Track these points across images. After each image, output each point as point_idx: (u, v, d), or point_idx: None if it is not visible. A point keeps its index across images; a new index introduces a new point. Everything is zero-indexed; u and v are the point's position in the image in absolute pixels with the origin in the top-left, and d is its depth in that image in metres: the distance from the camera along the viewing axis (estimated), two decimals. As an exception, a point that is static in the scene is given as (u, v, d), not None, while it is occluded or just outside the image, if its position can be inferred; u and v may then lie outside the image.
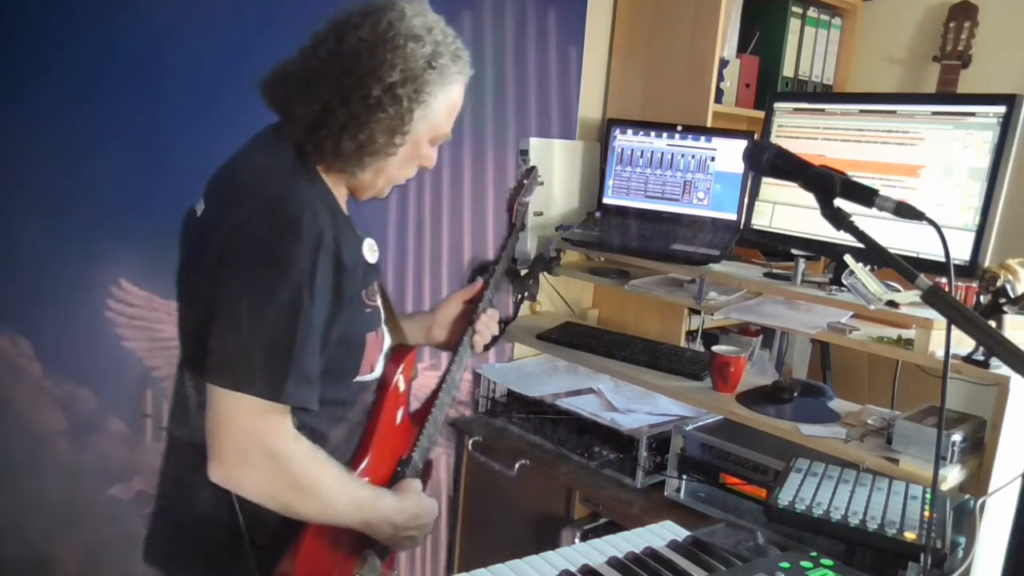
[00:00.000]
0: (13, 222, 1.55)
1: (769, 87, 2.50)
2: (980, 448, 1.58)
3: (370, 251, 1.25)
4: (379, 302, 1.29)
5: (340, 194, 1.24)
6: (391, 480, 1.34)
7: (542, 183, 1.85)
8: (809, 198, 1.13)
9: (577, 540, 1.92)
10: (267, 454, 1.09)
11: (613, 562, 1.11)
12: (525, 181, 1.78)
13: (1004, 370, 1.50)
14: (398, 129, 1.16)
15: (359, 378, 1.26)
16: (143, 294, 1.70)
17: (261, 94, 1.20)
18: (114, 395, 1.70)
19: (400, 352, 1.37)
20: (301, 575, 1.19)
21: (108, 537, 1.72)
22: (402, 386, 1.36)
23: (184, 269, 1.24)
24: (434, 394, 1.45)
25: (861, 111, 1.85)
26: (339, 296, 1.15)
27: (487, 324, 1.54)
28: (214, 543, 1.20)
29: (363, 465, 1.29)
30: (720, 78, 2.36)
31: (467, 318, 1.54)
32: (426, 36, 1.16)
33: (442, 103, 1.20)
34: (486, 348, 1.60)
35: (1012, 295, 1.50)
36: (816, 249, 1.85)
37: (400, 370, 1.35)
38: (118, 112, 1.64)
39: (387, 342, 1.33)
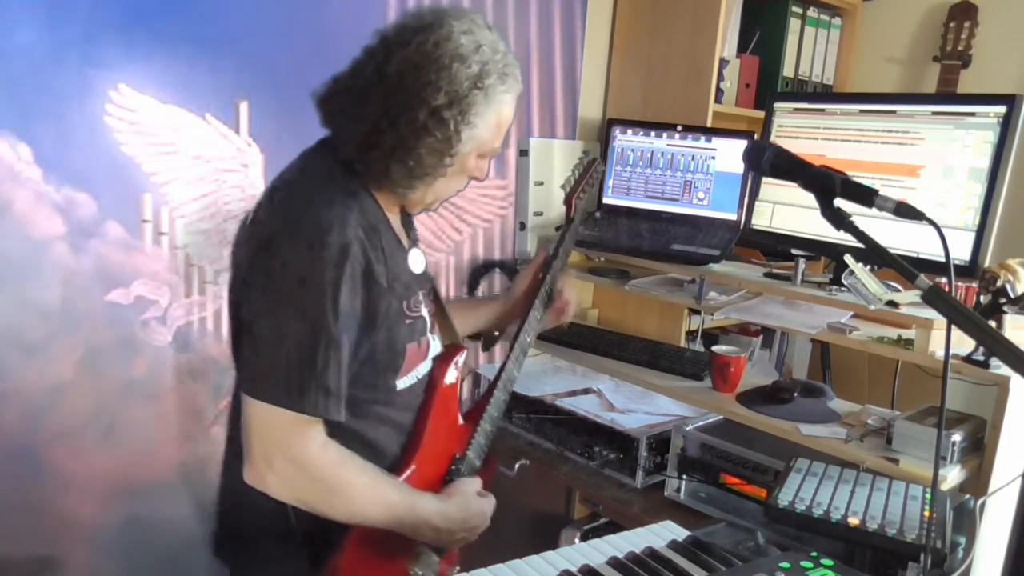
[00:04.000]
0: (11, 26, 1.54)
1: (769, 87, 2.50)
2: (980, 448, 1.57)
3: (416, 262, 1.28)
4: (424, 312, 1.29)
5: (390, 207, 1.25)
6: (445, 478, 1.36)
7: (601, 171, 1.75)
8: (809, 198, 1.13)
9: (577, 540, 1.92)
10: (291, 462, 1.13)
11: (613, 562, 1.11)
12: (587, 178, 1.68)
13: (1004, 370, 1.50)
14: (446, 151, 1.17)
15: (399, 384, 1.27)
16: (143, 99, 1.70)
17: (316, 108, 1.21)
18: (113, 200, 1.70)
19: (450, 352, 1.38)
20: (350, 569, 1.21)
21: (107, 342, 1.73)
22: (453, 386, 1.36)
23: (232, 278, 1.25)
24: (489, 390, 1.45)
25: (861, 111, 1.85)
26: (370, 311, 1.16)
27: (568, 291, 1.54)
28: (270, 537, 1.22)
29: (412, 466, 1.29)
30: (720, 78, 2.36)
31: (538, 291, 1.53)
32: (472, 56, 1.14)
33: (490, 122, 1.20)
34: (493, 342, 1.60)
35: (1012, 295, 1.50)
36: (816, 249, 1.85)
37: (449, 370, 1.35)
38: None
39: (434, 349, 1.34)
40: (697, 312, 2.26)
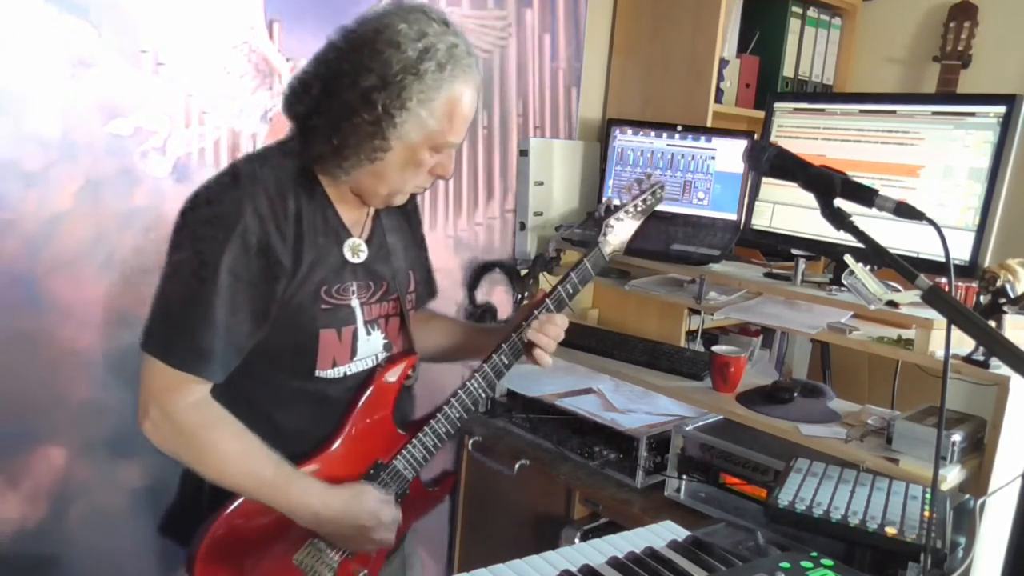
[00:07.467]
0: None
1: (769, 87, 2.50)
2: (980, 448, 1.58)
3: (351, 251, 1.28)
4: (353, 302, 1.27)
5: (342, 197, 1.27)
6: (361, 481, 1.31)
7: (660, 197, 1.55)
8: (809, 198, 1.13)
9: (577, 540, 1.92)
10: (163, 414, 1.16)
11: (613, 562, 1.11)
12: (637, 200, 1.55)
13: (1004, 370, 1.50)
14: (377, 134, 1.16)
15: (322, 373, 1.26)
16: None
17: (282, 109, 1.24)
18: (113, 30, 1.68)
19: (399, 356, 1.36)
20: (219, 546, 1.20)
21: (107, 172, 1.72)
22: (390, 389, 1.33)
23: None
24: (440, 405, 1.37)
25: (861, 111, 1.85)
26: (268, 282, 1.17)
27: (543, 328, 1.39)
28: (187, 501, 1.30)
29: (318, 459, 1.26)
30: (720, 78, 2.36)
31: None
32: (410, 44, 1.13)
33: (435, 109, 1.17)
34: None
35: (1012, 295, 1.50)
36: (816, 249, 1.85)
37: (392, 371, 1.33)
38: None
39: (368, 346, 1.31)
40: (697, 312, 2.26)
